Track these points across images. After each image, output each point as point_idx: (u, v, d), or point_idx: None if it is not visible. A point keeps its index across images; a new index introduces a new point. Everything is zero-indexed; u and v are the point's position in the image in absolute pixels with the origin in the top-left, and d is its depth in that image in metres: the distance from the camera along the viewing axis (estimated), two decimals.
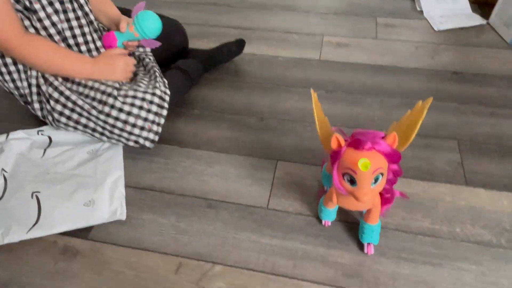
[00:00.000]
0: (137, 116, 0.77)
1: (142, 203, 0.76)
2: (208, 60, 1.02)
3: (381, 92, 0.97)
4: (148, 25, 0.79)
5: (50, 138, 0.87)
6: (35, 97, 0.81)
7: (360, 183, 0.51)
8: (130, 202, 0.76)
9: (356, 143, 0.51)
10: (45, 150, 0.84)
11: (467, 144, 0.83)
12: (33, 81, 0.79)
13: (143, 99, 0.78)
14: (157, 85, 0.81)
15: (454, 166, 0.78)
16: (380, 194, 0.61)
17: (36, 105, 0.82)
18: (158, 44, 0.83)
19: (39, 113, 0.83)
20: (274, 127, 0.89)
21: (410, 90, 0.97)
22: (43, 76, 0.79)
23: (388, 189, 0.59)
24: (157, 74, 0.85)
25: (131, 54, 0.91)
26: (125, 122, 0.77)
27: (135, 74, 0.87)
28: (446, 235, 0.67)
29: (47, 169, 0.81)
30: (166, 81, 0.85)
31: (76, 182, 0.78)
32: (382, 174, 0.53)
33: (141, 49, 0.92)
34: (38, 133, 0.87)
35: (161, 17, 1.07)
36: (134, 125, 0.77)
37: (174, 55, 1.04)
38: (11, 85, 0.81)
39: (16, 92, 0.83)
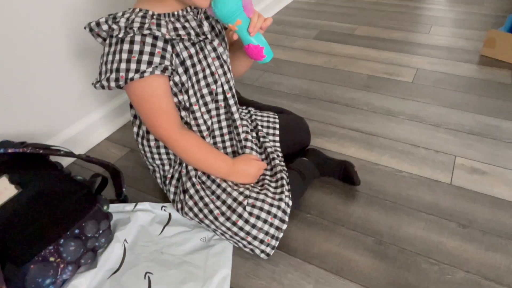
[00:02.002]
0: (260, 229, 0.79)
1: None
2: (324, 167, 1.01)
3: None
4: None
5: (170, 215, 0.92)
6: (174, 182, 0.88)
7: None
8: None
9: None
10: (164, 227, 0.89)
11: None
12: (177, 167, 0.87)
13: (268, 212, 0.79)
14: (283, 196, 0.82)
15: None
16: None
17: (172, 189, 0.89)
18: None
19: (171, 197, 0.89)
20: (394, 257, 0.82)
21: None
22: (186, 167, 0.86)
23: None
24: (284, 182, 0.86)
25: (264, 153, 0.94)
26: (248, 233, 0.79)
27: (263, 174, 0.89)
28: None
29: (162, 248, 0.84)
30: (290, 192, 0.85)
31: (186, 271, 0.79)
32: None
33: (270, 144, 0.96)
34: (161, 208, 0.93)
35: (288, 113, 1.12)
36: (255, 238, 0.79)
37: (296, 152, 1.06)
38: (157, 162, 0.89)
39: (157, 169, 0.91)
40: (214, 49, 0.79)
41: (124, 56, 0.67)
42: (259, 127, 0.97)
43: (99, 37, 0.73)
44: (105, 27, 0.70)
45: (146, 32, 0.67)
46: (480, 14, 1.98)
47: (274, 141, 0.98)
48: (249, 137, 0.93)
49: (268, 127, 1.00)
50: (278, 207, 0.81)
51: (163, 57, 0.69)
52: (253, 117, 1.00)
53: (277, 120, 1.01)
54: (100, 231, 0.78)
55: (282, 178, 0.87)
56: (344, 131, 1.21)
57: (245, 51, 0.78)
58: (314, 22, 2.00)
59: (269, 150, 0.93)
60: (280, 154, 0.96)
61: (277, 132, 0.99)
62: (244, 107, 1.04)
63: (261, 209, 0.79)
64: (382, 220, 0.91)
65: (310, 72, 1.54)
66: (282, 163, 0.93)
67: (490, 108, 1.27)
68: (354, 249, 0.84)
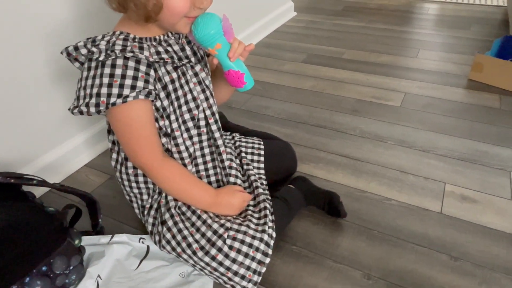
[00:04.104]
0: (241, 264, 0.75)
1: None
2: (311, 197, 0.97)
3: None
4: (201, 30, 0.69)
5: (148, 248, 0.88)
6: (152, 212, 0.85)
7: None
8: None
9: None
10: (141, 261, 0.85)
11: None
12: (156, 197, 0.84)
13: (250, 245, 0.76)
14: (266, 227, 0.79)
15: None
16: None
17: (150, 220, 0.85)
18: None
19: (149, 228, 0.86)
20: None
21: None
22: (166, 197, 0.82)
23: None
24: (267, 212, 0.83)
25: (248, 181, 0.91)
26: (228, 268, 0.74)
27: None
28: None
29: (138, 285, 0.80)
30: (274, 223, 0.82)
31: None
32: None
33: (253, 172, 0.93)
34: (139, 240, 0.88)
35: (275, 138, 1.10)
36: (236, 273, 0.75)
37: (283, 179, 1.03)
38: (135, 191, 0.86)
39: (134, 199, 0.87)
40: (196, 74, 0.77)
41: (105, 80, 0.64)
42: (243, 154, 0.95)
43: (77, 61, 0.70)
44: (83, 51, 0.67)
45: (128, 55, 0.65)
46: (467, 39, 2.01)
47: (258, 168, 0.96)
48: (234, 164, 0.90)
49: (252, 153, 0.97)
50: (261, 240, 0.77)
51: (146, 81, 0.67)
52: (237, 143, 0.98)
53: (262, 147, 0.99)
54: (71, 267, 0.74)
55: (265, 208, 0.84)
56: (332, 156, 1.19)
57: (226, 78, 0.76)
58: (302, 45, 2.01)
59: (252, 178, 0.91)
60: (265, 182, 0.93)
61: (262, 159, 0.97)
62: (228, 133, 1.02)
63: (242, 242, 0.76)
64: (371, 252, 0.87)
65: (298, 96, 1.53)
66: (266, 192, 0.90)
67: (479, 133, 1.26)
68: (342, 285, 0.81)
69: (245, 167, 0.93)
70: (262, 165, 0.96)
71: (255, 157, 0.97)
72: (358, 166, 1.14)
